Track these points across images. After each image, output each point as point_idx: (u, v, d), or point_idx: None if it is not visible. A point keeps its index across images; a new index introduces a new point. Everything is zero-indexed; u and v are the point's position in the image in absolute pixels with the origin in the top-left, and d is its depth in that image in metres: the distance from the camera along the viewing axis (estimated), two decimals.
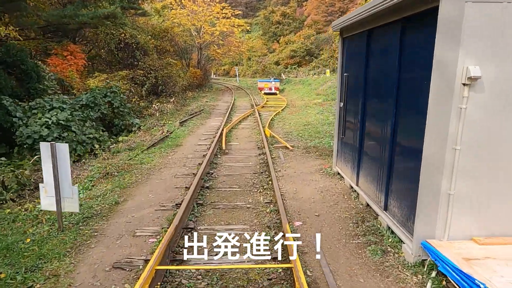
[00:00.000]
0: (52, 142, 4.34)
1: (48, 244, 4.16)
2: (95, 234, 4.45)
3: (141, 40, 20.60)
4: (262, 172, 6.91)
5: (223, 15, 29.68)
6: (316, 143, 9.28)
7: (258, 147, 9.16)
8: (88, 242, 4.24)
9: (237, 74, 47.07)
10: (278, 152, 8.38)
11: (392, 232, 4.00)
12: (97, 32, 19.69)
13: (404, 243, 3.64)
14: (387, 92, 4.25)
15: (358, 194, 5.18)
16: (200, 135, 10.90)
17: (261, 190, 5.90)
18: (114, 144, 10.89)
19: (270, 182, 6.17)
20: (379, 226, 4.25)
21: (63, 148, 4.39)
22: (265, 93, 24.95)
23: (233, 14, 30.61)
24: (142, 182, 6.49)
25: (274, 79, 26.29)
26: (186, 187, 6.06)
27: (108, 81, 14.42)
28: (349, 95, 5.67)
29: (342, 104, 5.88)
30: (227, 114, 15.11)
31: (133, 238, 4.31)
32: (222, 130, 10.88)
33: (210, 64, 40.27)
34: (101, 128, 11.91)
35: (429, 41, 3.26)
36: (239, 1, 79.89)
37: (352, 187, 5.50)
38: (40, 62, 14.15)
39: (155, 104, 17.09)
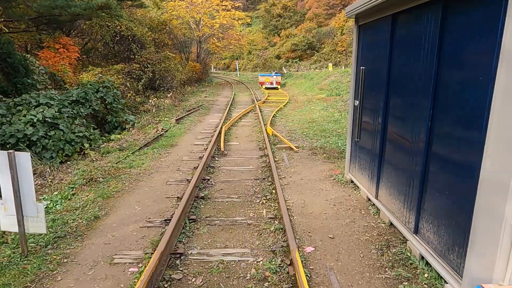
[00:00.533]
0: (10, 151, 3.53)
1: (6, 275, 3.38)
2: (65, 260, 3.65)
3: (137, 33, 19.68)
4: (264, 178, 6.10)
5: (223, 7, 28.64)
6: (322, 143, 8.46)
7: (260, 148, 8.34)
8: (55, 272, 3.44)
9: (237, 68, 46.09)
10: (281, 154, 7.56)
11: (427, 264, 3.21)
12: (92, 24, 18.80)
13: (447, 283, 2.85)
14: (420, 89, 3.42)
15: (378, 209, 4.38)
16: (197, 134, 10.07)
17: (264, 201, 5.10)
18: (106, 143, 10.10)
19: (273, 191, 5.37)
20: (409, 254, 3.44)
21: (24, 158, 3.58)
22: (266, 88, 24.06)
23: (233, 6, 29.55)
24: (129, 190, 5.69)
25: (276, 73, 25.39)
26: (178, 197, 5.27)
27: (101, 75, 13.54)
28: (367, 92, 4.83)
29: (357, 102, 5.05)
30: (227, 110, 14.26)
31: (110, 267, 3.52)
32: (221, 128, 10.05)
33: (210, 58, 39.26)
34: (93, 125, 11.11)
35: (488, 25, 2.42)
36: (240, 4, 78.46)
37: (369, 200, 4.70)
38: (29, 55, 13.28)
39: (152, 100, 16.24)
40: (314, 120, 11.40)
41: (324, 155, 7.39)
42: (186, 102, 17.68)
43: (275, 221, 4.42)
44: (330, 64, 28.66)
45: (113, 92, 12.42)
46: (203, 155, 7.31)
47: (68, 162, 8.61)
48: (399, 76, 3.92)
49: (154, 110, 14.90)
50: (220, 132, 9.61)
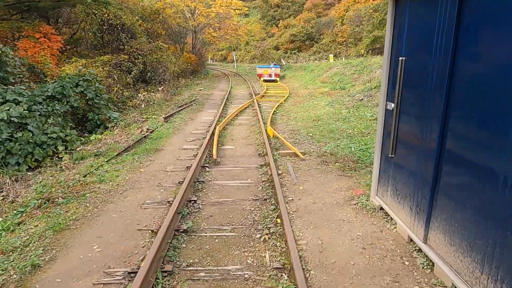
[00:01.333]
0: None
1: None
2: None
3: (127, 21, 18.07)
4: (266, 199, 4.76)
5: None
6: (332, 147, 7.11)
7: (260, 154, 6.98)
8: None
9: (234, 60, 44.40)
10: (286, 163, 6.22)
11: None
12: (78, 12, 17.23)
13: None
14: None
15: (429, 260, 3.06)
16: (188, 135, 8.68)
17: (267, 237, 3.77)
18: (83, 145, 8.72)
19: (278, 221, 4.04)
20: None
21: None
22: (265, 80, 22.59)
23: None
24: (92, 218, 4.34)
25: (274, 64, 23.88)
26: (152, 231, 3.93)
27: (81, 67, 12.04)
28: (409, 92, 3.46)
29: (392, 105, 3.67)
30: (222, 105, 12.84)
31: None
32: (215, 128, 8.67)
33: (206, 49, 37.56)
34: (70, 124, 9.71)
35: None
36: None
37: (412, 241, 3.38)
38: (1, 46, 11.77)
39: (141, 94, 14.78)
40: (319, 118, 10.03)
41: (337, 164, 6.05)
42: (179, 96, 16.22)
43: (283, 275, 3.09)
44: (331, 55, 27.15)
45: (95, 86, 10.97)
46: (192, 164, 5.95)
47: (38, 169, 7.27)
48: (472, 74, 2.54)
49: (143, 106, 13.47)
50: (213, 133, 8.23)
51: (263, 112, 11.46)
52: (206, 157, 6.71)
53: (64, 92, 9.99)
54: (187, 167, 6.07)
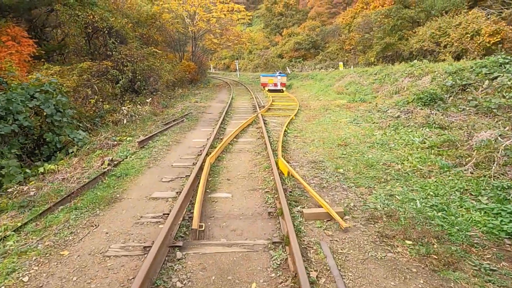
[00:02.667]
0: None
1: None
2: None
3: (115, 24, 15.56)
4: None
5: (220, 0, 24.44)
6: (383, 198, 4.37)
7: (270, 213, 4.21)
8: None
9: (237, 68, 41.96)
10: (316, 237, 3.50)
11: None
12: (59, 13, 14.79)
13: None
14: None
15: None
16: (166, 170, 5.97)
17: None
18: (24, 182, 6.09)
19: None
20: None
21: None
22: (269, 90, 19.96)
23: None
24: None
25: (280, 73, 21.25)
26: None
27: (41, 75, 9.43)
28: None
29: None
30: (220, 121, 10.15)
31: None
32: (205, 159, 5.96)
33: (207, 57, 35.13)
34: (14, 151, 7.08)
35: None
36: None
37: None
38: None
39: (126, 106, 12.16)
40: (346, 142, 7.31)
41: (408, 242, 3.32)
42: (172, 109, 13.58)
43: None
44: (341, 63, 24.54)
45: (56, 99, 8.34)
46: (154, 242, 3.25)
47: None
48: None
49: (125, 121, 10.83)
50: (201, 168, 5.52)
51: (271, 132, 8.77)
52: (184, 219, 4.00)
53: (11, 108, 7.38)
54: (147, 247, 3.36)
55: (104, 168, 5.90)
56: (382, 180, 5.08)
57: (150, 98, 14.27)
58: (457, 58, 18.08)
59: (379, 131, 7.82)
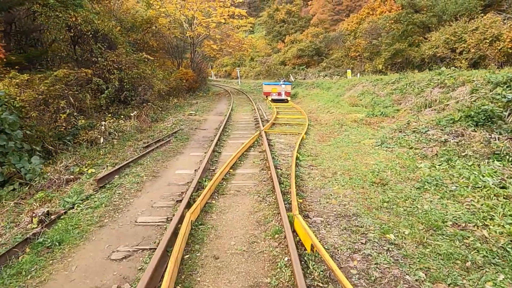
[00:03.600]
0: None
1: None
2: None
3: (101, 27, 13.62)
4: None
5: (220, 3, 22.53)
6: None
7: None
8: None
9: (238, 76, 40.07)
10: None
11: None
12: (38, 14, 12.84)
13: None
14: None
15: None
16: (124, 233, 3.84)
17: None
18: None
19: None
20: None
21: None
22: (273, 100, 17.92)
23: (233, 3, 23.43)
24: None
25: (284, 81, 19.19)
26: None
27: (3, 85, 7.44)
28: None
29: None
30: (215, 141, 8.07)
31: None
32: (182, 216, 3.87)
33: (208, 64, 33.21)
34: None
35: None
36: (242, 1, 72.51)
37: None
38: None
39: (107, 121, 10.14)
40: (382, 178, 5.22)
41: None
42: (161, 123, 11.54)
43: None
44: (349, 71, 22.54)
45: (2, 118, 6.32)
46: None
47: None
48: None
49: (101, 141, 8.78)
50: (176, 233, 3.45)
51: (278, 158, 6.70)
52: None
53: None
54: None
55: (31, 229, 3.82)
56: (468, 265, 2.99)
57: (136, 111, 12.24)
58: (474, 65, 16.26)
59: (423, 161, 5.71)
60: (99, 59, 13.62)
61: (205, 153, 7.27)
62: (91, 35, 13.45)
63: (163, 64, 23.58)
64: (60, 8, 12.57)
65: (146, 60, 14.75)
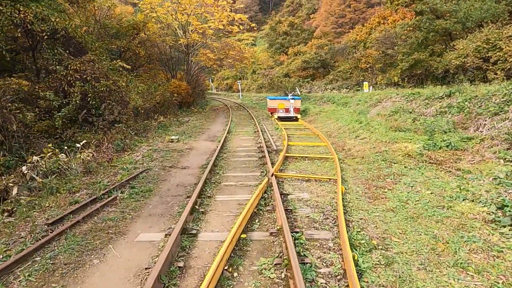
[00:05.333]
0: None
1: None
2: None
3: (60, 27, 10.20)
4: None
5: (219, 8, 19.18)
6: None
7: None
8: None
9: (239, 89, 36.74)
10: None
11: None
12: None
13: None
14: None
15: None
16: None
17: None
18: None
19: None
20: None
21: None
22: (280, 118, 14.38)
23: (232, 8, 20.08)
24: None
25: (293, 95, 15.59)
26: None
27: None
28: None
29: None
30: (193, 199, 4.44)
31: None
32: None
33: (206, 76, 29.84)
34: None
35: None
36: (243, 8, 69.85)
37: None
38: None
39: (47, 154, 6.53)
40: None
41: None
42: (128, 155, 7.92)
43: None
44: (366, 83, 19.06)
45: None
46: None
47: None
48: None
49: (14, 192, 5.17)
50: None
51: (310, 251, 3.06)
52: None
53: None
54: None
55: None
56: None
57: (101, 135, 8.67)
58: (510, 77, 12.99)
59: None
60: (57, 67, 10.17)
61: (166, 234, 3.63)
62: (46, 37, 10.01)
63: (154, 76, 20.19)
64: (6, 1, 9.14)
65: (121, 69, 11.25)
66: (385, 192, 5.01)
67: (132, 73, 12.06)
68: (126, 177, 5.70)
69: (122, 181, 5.52)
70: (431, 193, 4.78)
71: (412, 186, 5.10)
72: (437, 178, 5.32)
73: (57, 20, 10.08)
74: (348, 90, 26.76)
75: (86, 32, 12.63)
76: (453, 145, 6.52)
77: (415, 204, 4.43)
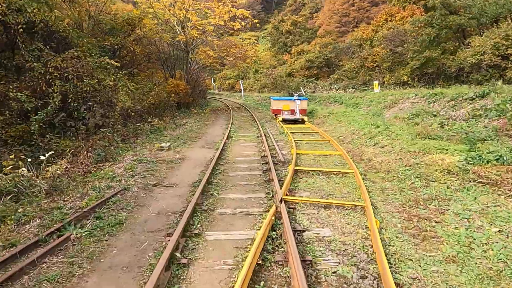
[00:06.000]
0: None
1: None
2: None
3: (38, 18, 8.91)
4: None
5: (219, 4, 17.80)
6: None
7: None
8: None
9: (241, 89, 35.41)
10: None
11: None
12: None
13: None
14: None
15: None
16: None
17: None
18: None
19: None
20: None
21: None
22: (285, 120, 13.02)
23: (234, 4, 18.69)
24: None
25: (299, 96, 14.20)
26: None
27: None
28: None
29: None
30: (171, 246, 3.13)
31: None
32: None
33: (208, 76, 28.53)
34: None
35: None
36: (246, 3, 68.35)
37: None
38: None
39: (7, 167, 5.24)
40: None
41: None
42: (110, 166, 6.61)
43: None
44: (376, 83, 17.65)
45: None
46: None
47: None
48: None
49: None
50: None
51: None
52: None
53: None
54: None
55: None
56: None
57: (82, 143, 7.36)
58: None
59: None
60: (35, 64, 8.86)
61: None
62: (21, 30, 8.69)
63: (151, 75, 18.91)
64: None
65: (108, 66, 9.95)
66: (433, 226, 3.67)
67: (121, 71, 10.80)
68: (94, 202, 4.38)
69: (88, 207, 4.20)
70: (499, 230, 3.44)
71: (467, 219, 3.76)
72: (498, 205, 3.98)
73: (34, 11, 8.76)
74: (354, 90, 25.38)
75: (71, 26, 11.30)
76: (504, 158, 5.15)
77: (484, 251, 3.09)
